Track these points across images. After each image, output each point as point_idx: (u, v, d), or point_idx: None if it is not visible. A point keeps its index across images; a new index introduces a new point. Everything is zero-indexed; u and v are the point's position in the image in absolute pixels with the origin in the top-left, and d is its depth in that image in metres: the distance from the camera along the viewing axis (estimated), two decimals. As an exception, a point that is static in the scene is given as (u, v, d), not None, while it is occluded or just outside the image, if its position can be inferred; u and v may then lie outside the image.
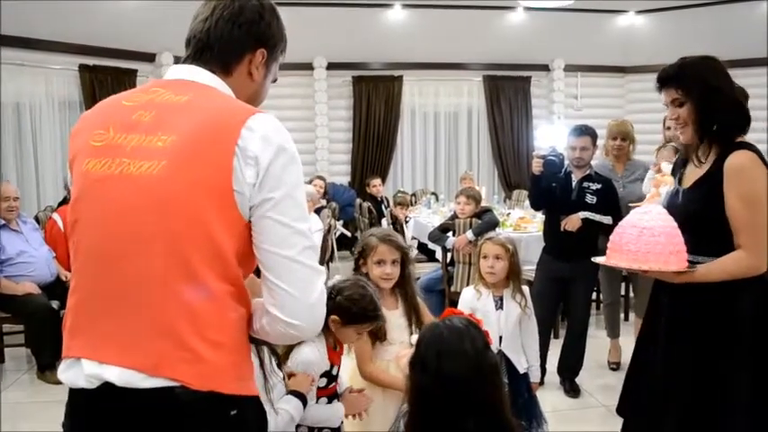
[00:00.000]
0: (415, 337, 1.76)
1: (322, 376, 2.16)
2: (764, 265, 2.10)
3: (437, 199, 7.73)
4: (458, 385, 1.57)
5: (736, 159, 2.10)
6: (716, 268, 2.12)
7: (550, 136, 4.06)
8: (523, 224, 5.72)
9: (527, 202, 7.17)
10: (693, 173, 2.25)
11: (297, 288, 1.30)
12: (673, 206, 2.26)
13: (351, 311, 2.13)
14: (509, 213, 6.37)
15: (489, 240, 3.10)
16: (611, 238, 2.25)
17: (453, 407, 1.57)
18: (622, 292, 4.63)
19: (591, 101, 9.97)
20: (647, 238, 2.09)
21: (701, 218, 2.18)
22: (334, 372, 2.24)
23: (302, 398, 1.97)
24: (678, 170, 2.36)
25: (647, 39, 9.40)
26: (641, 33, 9.41)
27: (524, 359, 3.11)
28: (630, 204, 2.59)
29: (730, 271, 2.10)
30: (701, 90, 2.14)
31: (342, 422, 2.24)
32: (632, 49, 9.61)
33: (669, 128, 4.10)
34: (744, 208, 2.08)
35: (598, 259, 2.39)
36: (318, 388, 2.15)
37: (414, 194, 8.47)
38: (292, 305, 1.30)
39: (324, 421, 2.15)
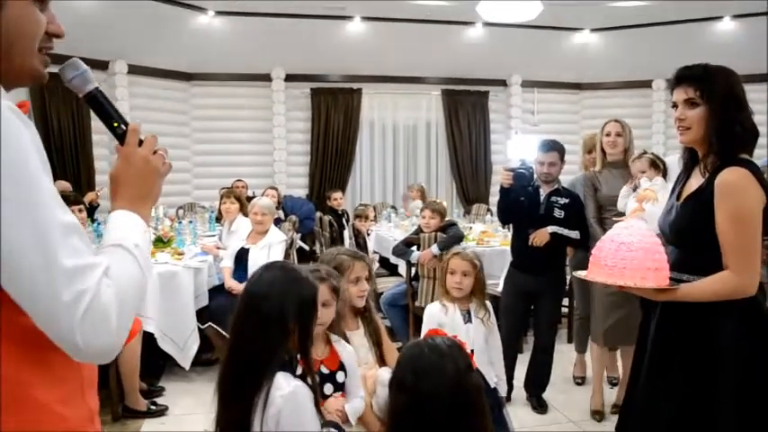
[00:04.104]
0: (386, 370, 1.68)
1: None
2: (752, 287, 2.00)
3: (396, 212, 7.69)
4: (436, 406, 1.50)
5: (728, 176, 2.00)
6: (700, 287, 2.02)
7: (520, 149, 4.04)
8: (486, 238, 5.72)
9: (488, 217, 7.21)
10: (689, 187, 2.17)
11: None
12: (667, 222, 2.20)
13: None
14: (471, 227, 6.37)
15: (457, 255, 3.07)
16: (593, 252, 2.19)
17: (431, 429, 1.49)
18: None
19: (547, 116, 10.15)
20: (623, 253, 2.03)
21: (690, 234, 2.10)
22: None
23: (338, 427, 1.93)
24: (678, 184, 2.27)
25: (601, 56, 9.60)
26: (596, 51, 9.60)
27: (493, 372, 3.08)
28: (614, 219, 2.55)
29: (715, 291, 2.00)
30: (725, 98, 2.06)
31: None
32: (587, 66, 9.80)
33: (609, 134, 4.06)
34: (732, 228, 1.98)
35: (579, 273, 2.32)
36: None
37: (374, 207, 8.42)
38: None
39: None
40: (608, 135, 3.99)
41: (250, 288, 1.77)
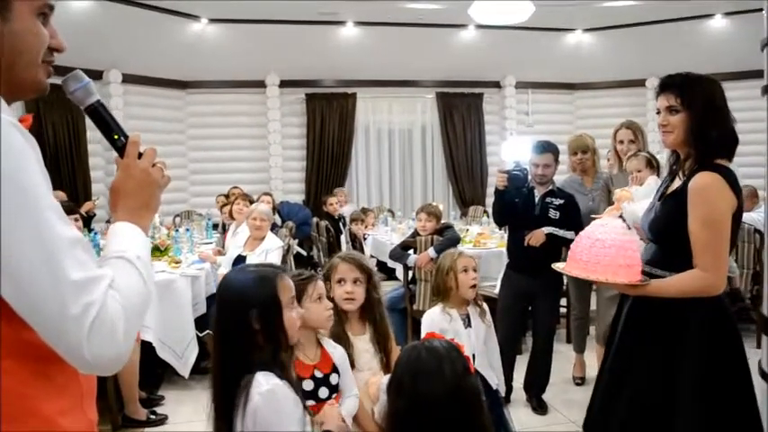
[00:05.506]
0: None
1: None
2: (719, 286, 2.12)
3: (393, 216, 7.69)
4: (434, 409, 1.50)
5: (700, 180, 2.11)
6: (670, 284, 2.14)
7: (514, 150, 4.05)
8: (483, 240, 5.73)
9: (484, 218, 7.22)
10: (671, 188, 2.28)
11: None
12: (647, 220, 2.31)
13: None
14: (468, 229, 6.38)
15: (462, 255, 3.07)
16: (570, 246, 2.33)
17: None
18: (593, 307, 4.63)
19: (542, 117, 10.17)
20: (597, 250, 2.16)
21: (665, 232, 2.23)
22: (307, 387, 2.09)
23: None
24: (663, 185, 2.39)
25: (593, 56, 9.62)
26: (588, 51, 9.62)
27: (494, 374, 3.08)
28: (592, 216, 2.62)
29: (685, 288, 2.12)
30: (704, 105, 2.16)
31: None
32: (580, 66, 9.82)
33: (622, 141, 4.11)
34: (702, 229, 2.10)
35: (557, 265, 2.43)
36: None
37: (371, 210, 8.43)
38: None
39: None
40: (621, 143, 4.01)
41: (218, 290, 1.87)
